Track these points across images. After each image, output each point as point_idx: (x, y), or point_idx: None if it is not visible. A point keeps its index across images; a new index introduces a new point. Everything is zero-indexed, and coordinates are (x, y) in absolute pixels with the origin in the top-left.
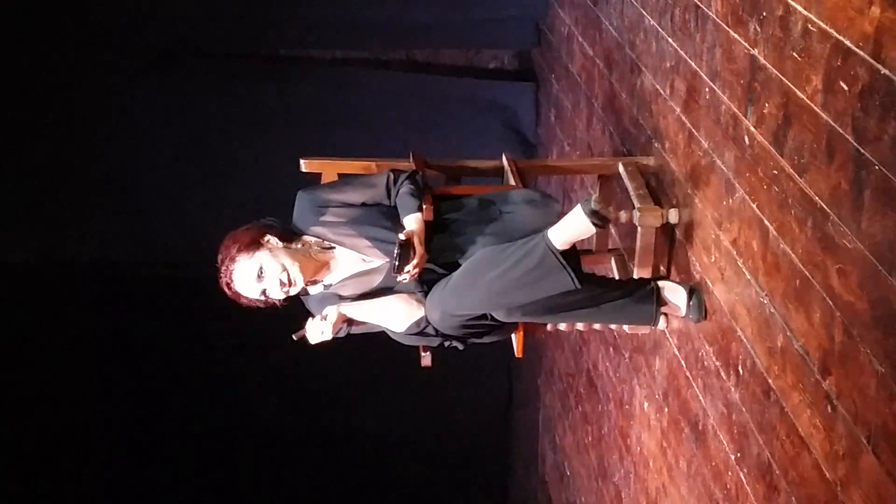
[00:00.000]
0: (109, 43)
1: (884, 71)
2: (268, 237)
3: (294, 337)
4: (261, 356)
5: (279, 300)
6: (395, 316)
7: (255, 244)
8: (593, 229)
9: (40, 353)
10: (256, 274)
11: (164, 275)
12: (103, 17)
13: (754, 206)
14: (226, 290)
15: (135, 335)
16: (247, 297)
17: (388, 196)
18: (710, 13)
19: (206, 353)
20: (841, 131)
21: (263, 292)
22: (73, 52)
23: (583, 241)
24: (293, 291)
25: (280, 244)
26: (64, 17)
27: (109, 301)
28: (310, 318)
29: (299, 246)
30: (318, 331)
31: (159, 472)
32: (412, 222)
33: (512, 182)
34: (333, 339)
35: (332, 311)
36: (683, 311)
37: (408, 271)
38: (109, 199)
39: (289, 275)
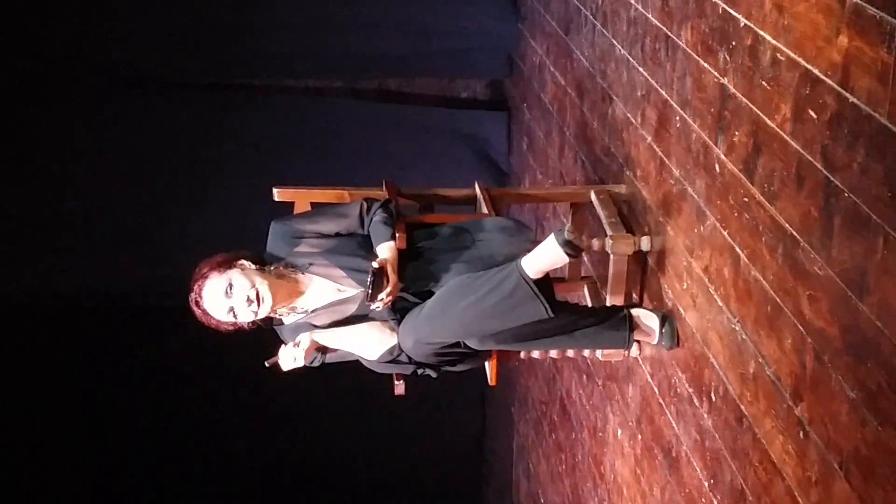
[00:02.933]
0: (80, 73)
1: (852, 99)
2: (241, 260)
3: (266, 363)
4: (232, 386)
5: (248, 322)
6: (369, 343)
7: (227, 264)
8: (566, 259)
9: (9, 386)
10: (225, 290)
11: (133, 306)
12: (72, 48)
13: (725, 233)
14: (195, 308)
15: (104, 367)
16: (215, 318)
17: (362, 225)
18: (681, 43)
19: (176, 384)
20: (810, 159)
21: (231, 310)
22: (39, 83)
23: (555, 268)
24: (262, 312)
25: (253, 266)
26: (31, 49)
27: (78, 334)
28: (282, 345)
29: (272, 269)
30: (290, 357)
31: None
32: (385, 251)
33: (485, 210)
34: (306, 367)
35: (304, 338)
36: (656, 339)
37: (381, 299)
38: (78, 232)
39: (257, 292)
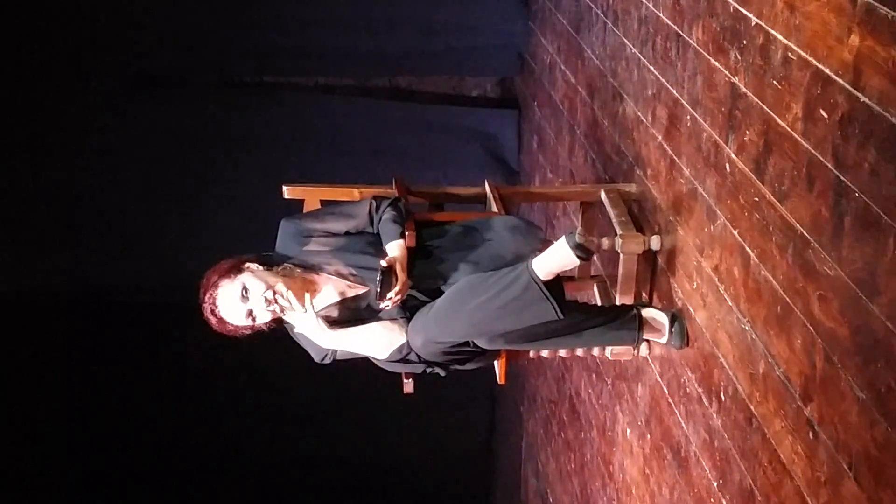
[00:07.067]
0: (90, 70)
1: (863, 99)
2: (248, 263)
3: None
4: (241, 382)
5: (266, 322)
6: (378, 342)
7: (235, 269)
8: (577, 262)
9: (15, 382)
10: (241, 294)
11: (141, 302)
12: (79, 47)
13: (735, 232)
14: (211, 318)
15: (112, 362)
16: (233, 324)
17: (371, 223)
18: (692, 41)
19: (185, 380)
20: (821, 159)
21: (250, 313)
22: (51, 80)
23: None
24: (280, 310)
25: (261, 268)
26: (37, 47)
27: (86, 329)
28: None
29: (279, 269)
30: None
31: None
32: (395, 249)
33: (495, 209)
34: (320, 363)
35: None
36: (665, 338)
37: (390, 298)
38: (88, 226)
39: (274, 291)
